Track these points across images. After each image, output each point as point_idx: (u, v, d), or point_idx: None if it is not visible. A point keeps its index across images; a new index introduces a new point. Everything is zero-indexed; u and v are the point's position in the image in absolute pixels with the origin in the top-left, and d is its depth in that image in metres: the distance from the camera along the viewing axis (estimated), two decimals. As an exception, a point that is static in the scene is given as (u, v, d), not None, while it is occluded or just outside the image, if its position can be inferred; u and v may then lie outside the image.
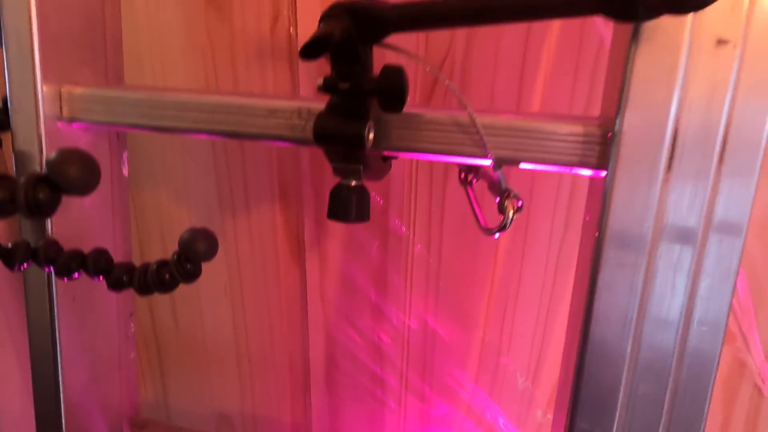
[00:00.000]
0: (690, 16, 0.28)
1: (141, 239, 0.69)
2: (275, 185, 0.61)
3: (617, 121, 0.27)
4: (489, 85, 0.51)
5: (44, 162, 0.35)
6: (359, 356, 0.67)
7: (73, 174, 0.23)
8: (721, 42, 0.29)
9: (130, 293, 0.48)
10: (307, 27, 0.54)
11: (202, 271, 0.34)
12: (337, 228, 0.62)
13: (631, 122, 0.27)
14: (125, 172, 0.45)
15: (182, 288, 0.65)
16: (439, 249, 0.59)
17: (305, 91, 0.56)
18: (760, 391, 0.56)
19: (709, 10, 0.29)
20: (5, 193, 0.24)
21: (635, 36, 0.26)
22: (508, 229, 0.57)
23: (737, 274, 0.33)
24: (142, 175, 0.64)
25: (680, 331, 0.32)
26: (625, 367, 0.29)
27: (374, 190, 0.58)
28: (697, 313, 0.33)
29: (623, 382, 0.30)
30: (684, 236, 0.31)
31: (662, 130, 0.27)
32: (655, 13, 0.21)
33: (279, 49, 0.55)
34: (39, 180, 0.23)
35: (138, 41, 0.58)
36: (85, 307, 0.42)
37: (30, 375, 0.39)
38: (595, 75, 0.49)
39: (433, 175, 0.57)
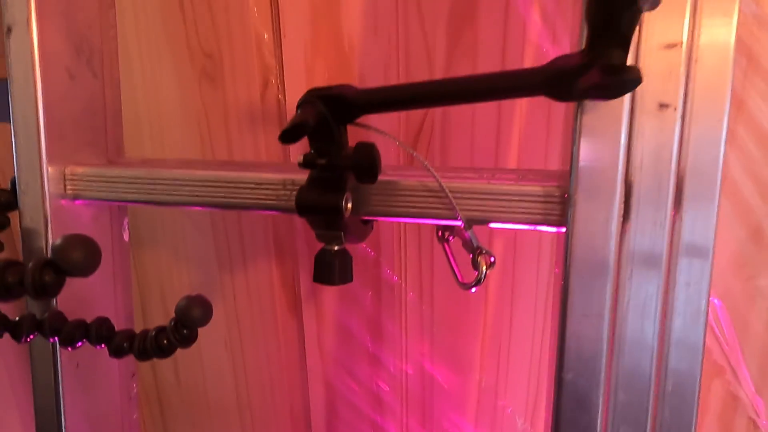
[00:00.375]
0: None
1: (143, 299, 0.71)
2: (270, 242, 0.64)
3: (571, 182, 0.29)
4: (468, 142, 0.54)
5: (49, 239, 0.37)
6: (359, 405, 0.68)
7: (77, 258, 0.26)
8: (662, 105, 0.31)
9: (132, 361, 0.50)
10: (295, 92, 0.58)
11: (204, 327, 0.36)
12: (331, 280, 0.64)
13: (583, 182, 0.29)
14: (126, 237, 0.48)
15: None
16: (431, 296, 0.61)
17: (295, 152, 0.59)
18: (755, 423, 0.57)
19: (649, 79, 0.32)
20: (14, 277, 0.26)
21: (580, 104, 0.29)
22: (497, 275, 0.59)
23: (707, 312, 0.35)
24: (143, 237, 0.67)
25: (653, 377, 0.34)
26: (599, 415, 0.31)
27: (366, 242, 0.61)
28: (672, 358, 0.35)
29: (599, 428, 0.31)
30: (647, 283, 0.33)
31: (612, 187, 0.29)
32: (587, 96, 0.24)
33: (269, 114, 0.59)
34: (45, 264, 0.26)
35: (137, 112, 0.62)
36: (88, 373, 0.43)
37: (36, 442, 0.40)
38: (567, 129, 0.52)
39: (421, 226, 0.59)
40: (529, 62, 0.51)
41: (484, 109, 0.53)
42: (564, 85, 0.24)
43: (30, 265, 0.26)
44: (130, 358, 0.49)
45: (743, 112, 0.48)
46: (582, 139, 0.29)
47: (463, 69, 0.53)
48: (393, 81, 0.54)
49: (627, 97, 0.29)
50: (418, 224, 0.59)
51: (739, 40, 0.46)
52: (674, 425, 0.36)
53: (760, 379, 0.55)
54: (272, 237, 0.63)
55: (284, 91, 0.58)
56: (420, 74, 0.53)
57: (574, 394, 0.30)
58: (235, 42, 0.57)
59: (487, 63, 0.52)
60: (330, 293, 0.64)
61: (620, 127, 0.29)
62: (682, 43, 0.31)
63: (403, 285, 0.61)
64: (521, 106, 0.52)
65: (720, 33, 0.33)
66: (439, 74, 0.53)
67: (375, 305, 0.63)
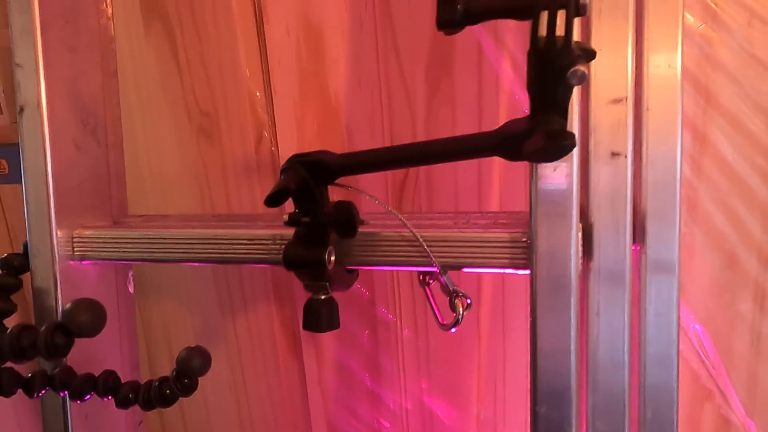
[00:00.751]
0: (589, 135, 0.35)
1: (149, 345, 0.73)
2: (269, 288, 0.66)
3: (531, 229, 0.32)
4: (452, 186, 0.57)
5: (59, 298, 0.40)
6: (362, 442, 0.69)
7: (85, 321, 0.29)
8: (614, 154, 0.35)
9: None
10: (287, 144, 0.61)
11: (208, 372, 0.38)
12: (329, 321, 0.66)
13: (541, 228, 0.32)
14: (131, 289, 0.50)
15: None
16: (426, 333, 0.63)
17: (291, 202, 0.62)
18: (748, 446, 0.58)
19: (601, 131, 0.35)
20: (29, 340, 0.29)
21: (537, 160, 0.32)
22: (488, 312, 0.61)
23: (677, 341, 0.37)
24: (148, 288, 0.70)
25: (628, 404, 0.36)
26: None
27: (360, 282, 0.63)
28: (649, 383, 0.37)
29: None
30: (615, 316, 0.35)
31: (568, 231, 0.32)
32: (532, 158, 0.27)
33: (264, 165, 0.62)
34: (56, 328, 0.29)
35: (140, 170, 0.66)
36: (97, 422, 0.46)
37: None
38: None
39: (412, 264, 0.62)
40: (504, 108, 0.55)
41: (465, 153, 0.56)
42: (513, 147, 0.27)
43: (42, 329, 0.29)
44: (136, 412, 0.51)
45: (707, 147, 0.51)
46: (539, 190, 0.32)
47: (442, 116, 0.56)
48: (378, 130, 0.58)
49: (576, 148, 0.32)
50: (409, 264, 0.61)
51: (695, 81, 0.50)
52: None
53: (749, 401, 0.56)
54: (271, 283, 0.66)
55: (277, 143, 0.61)
56: (403, 122, 0.57)
57: (548, 427, 0.32)
58: (230, 100, 0.61)
59: (464, 110, 0.55)
60: (329, 334, 0.66)
61: (572, 177, 0.32)
62: (627, 98, 0.34)
63: (399, 323, 0.64)
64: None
65: (666, 84, 0.36)
66: (420, 121, 0.57)
67: (372, 344, 0.65)
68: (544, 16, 0.24)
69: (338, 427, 0.69)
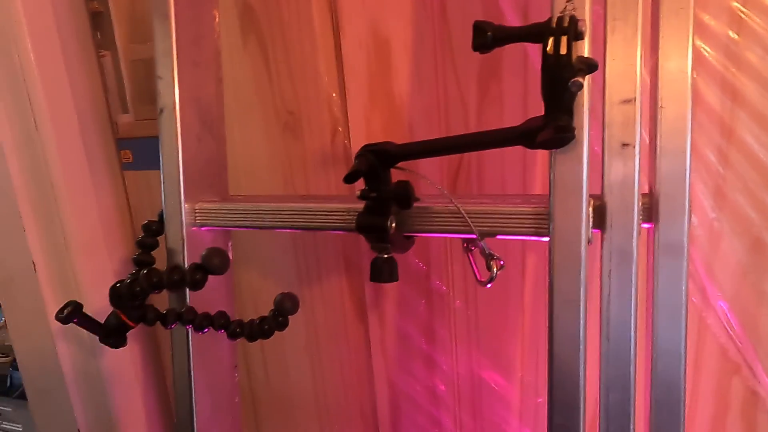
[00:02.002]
0: (604, 129, 0.42)
1: (238, 309, 0.86)
2: (341, 260, 0.77)
3: (550, 203, 0.40)
4: (499, 172, 0.66)
5: (185, 255, 0.53)
6: (419, 401, 0.79)
7: (217, 262, 0.40)
8: (624, 145, 0.42)
9: (234, 350, 0.64)
10: (358, 138, 0.72)
11: (287, 330, 0.49)
12: (391, 291, 0.76)
13: (558, 203, 0.40)
14: (230, 256, 0.63)
15: (271, 347, 0.82)
16: (476, 303, 0.72)
17: (358, 185, 0.73)
18: (774, 418, 0.62)
19: (614, 125, 0.42)
20: (179, 276, 0.41)
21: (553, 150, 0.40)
22: (531, 284, 0.68)
23: (686, 308, 0.44)
24: (238, 258, 0.83)
25: (633, 358, 0.43)
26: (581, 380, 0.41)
27: (418, 257, 0.73)
28: (658, 342, 0.44)
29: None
30: (626, 279, 0.43)
31: (580, 205, 0.40)
32: (544, 146, 0.36)
33: (338, 156, 0.73)
34: (197, 267, 0.40)
35: (235, 160, 0.79)
36: (208, 358, 0.58)
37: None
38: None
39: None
40: (546, 106, 0.62)
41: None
42: (531, 138, 0.36)
43: (187, 267, 0.41)
44: (233, 352, 0.64)
45: (734, 140, 0.57)
46: (556, 173, 0.40)
47: (492, 114, 0.65)
48: (435, 127, 0.67)
49: (586, 143, 0.40)
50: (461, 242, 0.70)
51: (723, 80, 0.56)
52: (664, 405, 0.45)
53: (775, 375, 0.61)
54: (342, 256, 0.77)
55: (349, 137, 0.72)
56: (457, 120, 0.66)
57: (562, 363, 0.40)
58: (311, 101, 0.73)
59: (511, 109, 0.63)
60: (390, 302, 0.76)
61: (582, 162, 0.40)
62: (635, 98, 0.42)
63: (451, 294, 0.73)
64: (539, 142, 0.63)
65: (677, 86, 0.43)
66: (473, 120, 0.65)
67: (428, 312, 0.75)
68: (551, 39, 0.33)
69: (398, 386, 0.79)
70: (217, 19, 0.62)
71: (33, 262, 0.81)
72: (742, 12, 0.53)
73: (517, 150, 0.66)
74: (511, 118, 0.64)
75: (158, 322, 0.52)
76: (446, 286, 0.73)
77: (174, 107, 0.53)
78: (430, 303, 0.74)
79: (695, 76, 0.56)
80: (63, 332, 0.84)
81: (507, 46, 0.62)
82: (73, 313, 0.46)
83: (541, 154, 0.64)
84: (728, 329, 0.61)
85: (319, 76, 0.71)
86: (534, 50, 0.61)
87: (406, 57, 0.67)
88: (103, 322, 0.52)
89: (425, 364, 0.77)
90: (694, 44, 0.56)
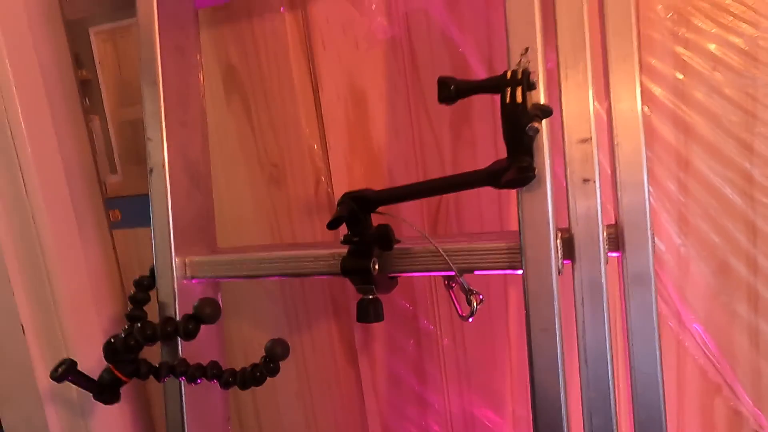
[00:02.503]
0: (566, 166, 0.46)
1: (228, 357, 0.87)
2: (329, 305, 0.79)
3: (520, 238, 0.43)
4: (477, 212, 0.69)
5: (177, 308, 0.54)
6: (413, 443, 0.79)
7: (209, 312, 0.42)
8: (585, 180, 0.46)
9: (227, 402, 0.65)
10: (340, 186, 0.75)
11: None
12: (380, 333, 0.78)
13: (528, 238, 0.43)
14: (220, 303, 0.64)
15: (263, 396, 0.82)
16: (463, 340, 0.74)
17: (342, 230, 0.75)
18: (759, 436, 0.64)
19: (575, 163, 0.46)
20: (172, 327, 0.42)
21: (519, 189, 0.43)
22: (515, 318, 0.70)
23: (658, 330, 0.46)
24: (228, 308, 0.84)
25: (612, 383, 0.45)
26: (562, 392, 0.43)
27: (404, 298, 0.75)
28: (634, 360, 0.46)
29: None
30: (597, 306, 0.45)
31: (548, 238, 0.43)
32: (508, 186, 0.39)
33: (322, 205, 0.76)
34: (190, 317, 0.42)
35: (222, 212, 0.81)
36: (201, 410, 0.59)
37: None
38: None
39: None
40: (515, 147, 0.66)
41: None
42: (497, 179, 0.39)
43: (180, 318, 0.43)
44: (226, 406, 0.64)
45: (691, 170, 0.61)
46: (524, 210, 0.43)
47: (466, 156, 0.68)
48: (413, 172, 0.70)
49: (549, 180, 0.43)
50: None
51: (675, 117, 0.60)
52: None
53: (755, 393, 0.63)
54: (330, 300, 0.79)
55: (332, 186, 0.75)
56: (433, 164, 0.69)
57: (543, 390, 0.42)
58: (293, 153, 0.76)
59: (483, 150, 0.67)
60: (380, 344, 0.78)
61: (546, 198, 0.43)
62: (591, 138, 0.46)
63: (439, 332, 0.74)
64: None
65: (630, 124, 0.47)
66: (448, 163, 0.69)
67: (417, 352, 0.76)
68: (508, 90, 0.36)
69: (392, 429, 0.80)
70: (201, 81, 0.66)
71: (21, 324, 0.81)
72: (684, 55, 0.59)
73: (493, 190, 0.70)
74: (484, 159, 0.68)
75: (151, 376, 0.53)
76: (433, 325, 0.74)
77: (163, 166, 0.55)
78: (419, 343, 0.76)
79: (650, 114, 0.61)
80: (51, 394, 0.83)
81: (475, 93, 0.67)
82: (67, 371, 0.47)
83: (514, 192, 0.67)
84: (705, 351, 0.64)
85: (300, 129, 0.75)
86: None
87: (382, 107, 0.71)
88: (96, 378, 0.53)
89: (418, 405, 0.78)
90: (644, 85, 0.61)
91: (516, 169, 0.37)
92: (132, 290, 0.56)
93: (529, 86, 0.36)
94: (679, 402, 0.66)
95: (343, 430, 0.82)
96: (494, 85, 0.36)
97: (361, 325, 0.78)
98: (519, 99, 0.36)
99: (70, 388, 0.84)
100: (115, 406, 0.90)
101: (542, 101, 0.41)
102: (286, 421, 0.85)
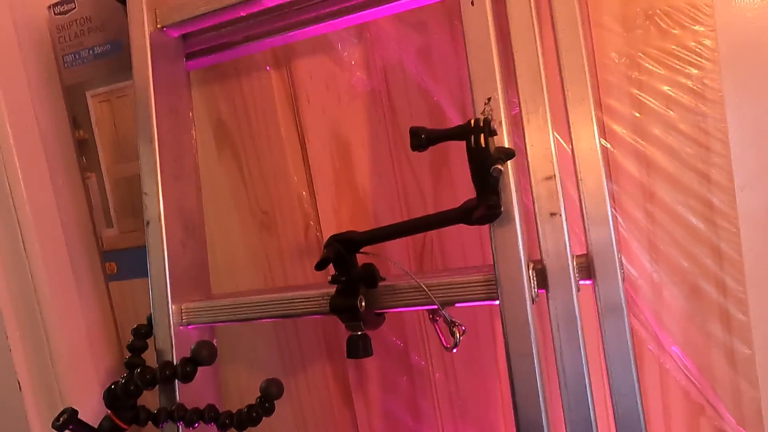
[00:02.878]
0: (533, 201, 0.50)
1: (225, 402, 0.87)
2: (323, 345, 0.81)
3: (495, 271, 0.47)
4: (460, 248, 0.72)
5: (174, 354, 0.56)
6: (412, 482, 0.80)
7: (205, 355, 0.44)
8: (552, 214, 0.49)
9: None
10: (328, 230, 0.78)
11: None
12: (373, 370, 0.79)
13: (501, 269, 0.47)
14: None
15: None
16: (454, 373, 0.76)
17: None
18: (745, 454, 0.65)
19: (542, 198, 0.50)
20: (170, 371, 0.45)
21: (491, 225, 0.47)
22: (502, 348, 0.72)
23: (633, 355, 0.49)
24: (223, 354, 0.86)
25: (591, 400, 0.48)
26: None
27: (395, 335, 0.77)
28: (613, 380, 0.49)
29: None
30: (572, 332, 0.48)
31: (520, 270, 0.47)
32: (478, 222, 0.42)
33: (312, 248, 0.79)
34: (187, 360, 0.44)
35: (215, 259, 0.84)
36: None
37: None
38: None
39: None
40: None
41: (466, 223, 0.72)
42: (468, 216, 0.42)
43: (178, 362, 0.45)
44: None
45: (656, 200, 0.65)
46: (496, 244, 0.47)
47: (446, 196, 0.72)
48: (397, 212, 0.74)
49: (517, 215, 0.47)
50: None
51: (637, 152, 0.64)
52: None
53: (737, 412, 0.65)
54: (323, 341, 0.81)
55: (321, 230, 0.78)
56: (416, 205, 0.73)
57: (525, 413, 0.45)
58: (283, 200, 0.80)
59: (462, 188, 0.71)
60: (374, 382, 0.79)
61: (516, 233, 0.47)
62: (555, 175, 0.50)
63: (430, 368, 0.76)
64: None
65: (591, 161, 0.51)
66: (430, 203, 0.73)
67: (410, 388, 0.78)
68: (472, 137, 0.40)
69: (389, 468, 0.80)
70: (194, 137, 0.70)
71: (18, 381, 0.82)
72: (639, 95, 0.64)
73: (474, 228, 0.73)
74: (464, 196, 0.71)
75: (149, 423, 0.54)
76: (425, 360, 0.76)
77: (159, 219, 0.59)
78: (411, 378, 0.77)
79: (613, 150, 0.66)
80: (47, 451, 0.84)
81: (451, 138, 0.71)
82: (69, 420, 0.48)
83: (494, 228, 0.71)
84: (686, 372, 0.66)
85: (289, 178, 0.79)
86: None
87: (365, 154, 0.75)
88: (96, 427, 0.54)
89: (413, 442, 0.79)
90: (606, 124, 0.66)
91: (484, 206, 0.40)
92: (129, 340, 0.58)
93: (491, 132, 0.40)
94: (666, 423, 0.67)
95: (342, 472, 0.83)
96: (460, 132, 0.40)
97: (354, 364, 0.80)
98: (483, 144, 0.40)
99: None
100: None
101: (506, 144, 0.46)
102: (284, 465, 0.85)
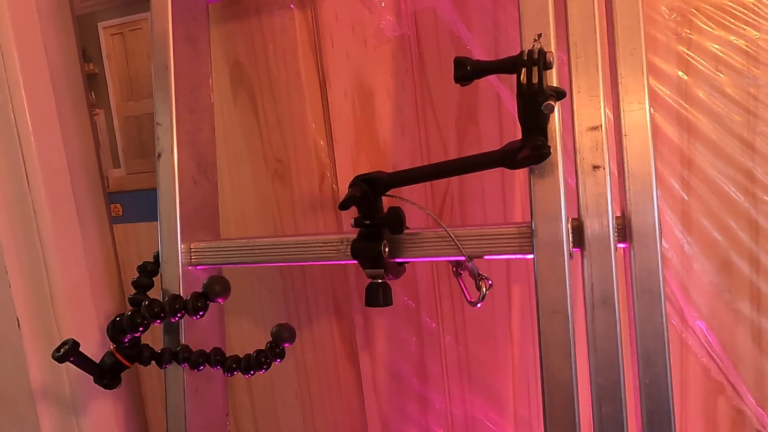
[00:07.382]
0: (576, 153, 0.46)
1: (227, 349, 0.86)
2: (330, 302, 0.78)
3: (532, 224, 0.44)
4: (480, 203, 0.69)
5: (181, 294, 0.54)
6: (413, 444, 0.78)
7: (218, 289, 0.42)
8: (595, 167, 0.46)
9: (226, 400, 0.64)
10: (345, 182, 0.75)
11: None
12: (381, 330, 0.77)
13: (538, 224, 0.44)
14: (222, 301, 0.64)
15: (261, 397, 0.81)
16: (465, 338, 0.73)
17: (346, 226, 0.75)
18: (762, 435, 0.64)
19: (585, 150, 0.46)
20: (180, 305, 0.42)
21: (531, 172, 0.44)
22: (518, 317, 0.70)
23: (665, 316, 0.46)
24: (228, 305, 0.83)
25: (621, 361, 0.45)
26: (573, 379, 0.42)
27: (407, 295, 0.75)
28: (640, 345, 0.46)
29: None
30: (607, 289, 0.45)
31: (559, 223, 0.43)
32: (523, 165, 0.39)
33: (326, 200, 0.76)
34: (199, 295, 0.42)
35: (225, 206, 0.81)
36: (202, 398, 0.58)
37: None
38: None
39: (451, 281, 0.73)
40: (521, 145, 0.67)
41: (491, 177, 0.68)
42: (512, 158, 0.39)
43: (190, 296, 0.42)
44: (226, 402, 0.63)
45: (694, 168, 0.62)
46: (535, 194, 0.44)
47: (471, 154, 0.69)
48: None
49: (560, 163, 0.44)
50: (449, 279, 0.73)
51: (678, 115, 0.61)
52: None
53: (758, 392, 0.63)
54: (332, 298, 0.78)
55: (337, 182, 0.75)
56: (438, 160, 0.70)
57: (553, 372, 0.42)
58: (299, 149, 0.76)
59: (489, 148, 0.67)
60: (381, 341, 0.77)
61: (558, 183, 0.44)
62: (601, 125, 0.46)
63: (441, 330, 0.74)
64: (520, 174, 0.67)
65: (637, 116, 0.48)
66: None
67: (419, 350, 0.76)
68: (524, 70, 0.37)
69: (391, 428, 0.79)
70: (210, 71, 0.66)
71: (17, 318, 0.80)
72: (687, 54, 0.60)
73: (497, 183, 0.70)
74: (489, 156, 0.68)
75: (152, 363, 0.52)
76: (436, 323, 0.74)
77: (172, 151, 0.55)
78: (421, 340, 0.75)
79: (653, 112, 0.62)
80: (44, 391, 0.82)
81: (481, 91, 0.67)
82: (69, 352, 0.46)
83: (519, 185, 0.68)
84: (708, 349, 0.64)
85: (306, 125, 0.75)
86: (506, 94, 0.66)
87: (389, 104, 0.71)
88: (97, 362, 0.52)
89: (419, 404, 0.77)
90: (648, 84, 0.62)
91: (531, 147, 0.37)
92: (134, 278, 0.56)
93: (545, 66, 0.36)
94: (682, 401, 0.65)
95: (342, 430, 0.81)
96: (511, 65, 0.37)
97: (362, 322, 0.77)
98: (535, 79, 0.36)
99: (63, 386, 0.82)
100: (109, 404, 0.89)
101: (555, 85, 0.42)
102: (283, 425, 0.84)
